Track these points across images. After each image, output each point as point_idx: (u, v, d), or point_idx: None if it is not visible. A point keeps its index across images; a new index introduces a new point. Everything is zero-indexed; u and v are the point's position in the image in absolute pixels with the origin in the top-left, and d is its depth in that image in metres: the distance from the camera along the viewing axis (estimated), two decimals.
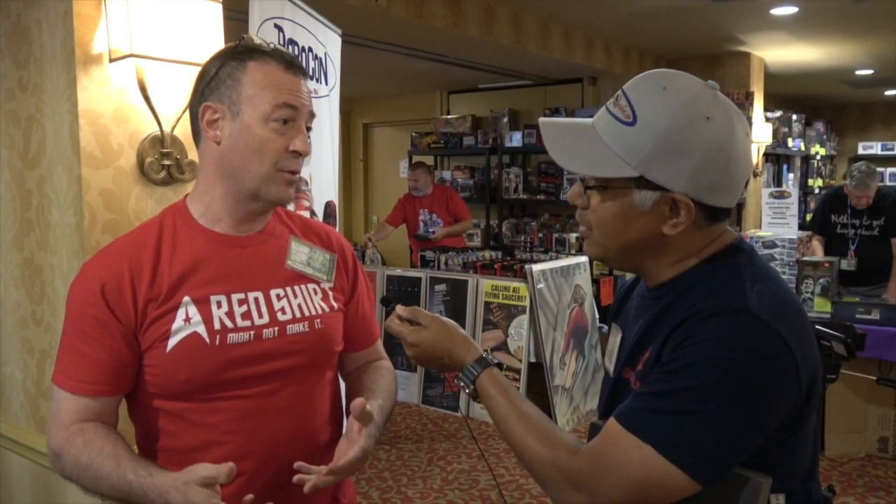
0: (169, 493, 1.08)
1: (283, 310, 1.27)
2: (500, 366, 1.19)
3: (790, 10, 5.23)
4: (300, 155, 1.23)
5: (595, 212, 1.08)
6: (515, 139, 6.79)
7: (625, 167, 1.02)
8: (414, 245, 5.91)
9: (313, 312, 1.30)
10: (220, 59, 1.24)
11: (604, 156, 1.03)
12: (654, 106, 1.01)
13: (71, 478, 1.20)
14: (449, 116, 7.76)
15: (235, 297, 1.24)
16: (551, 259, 5.10)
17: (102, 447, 1.16)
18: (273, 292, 1.27)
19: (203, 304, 1.21)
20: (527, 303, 4.45)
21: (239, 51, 1.24)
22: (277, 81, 1.21)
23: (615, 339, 1.21)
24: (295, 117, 1.23)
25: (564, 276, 4.72)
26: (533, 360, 4.47)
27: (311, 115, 1.28)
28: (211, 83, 1.23)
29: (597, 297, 5.47)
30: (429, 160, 7.52)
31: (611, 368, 1.19)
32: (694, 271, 1.07)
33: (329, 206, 3.05)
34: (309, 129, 1.27)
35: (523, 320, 4.47)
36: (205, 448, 1.19)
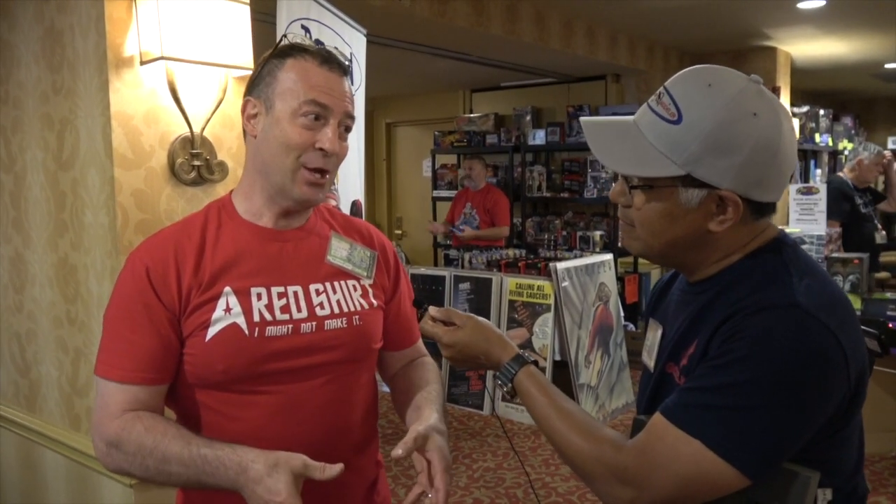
0: (254, 461, 1.07)
1: (321, 305, 1.27)
2: (536, 363, 1.18)
3: (817, 3, 5.16)
4: (327, 153, 1.22)
5: (639, 210, 1.06)
6: (539, 137, 6.76)
7: (671, 166, 1.01)
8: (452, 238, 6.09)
9: (352, 309, 1.30)
10: (266, 58, 1.27)
11: (648, 155, 1.02)
12: (700, 103, 1.00)
13: (129, 468, 1.17)
14: (472, 115, 7.74)
15: (275, 290, 1.24)
16: (575, 257, 5.08)
17: (166, 430, 1.14)
18: (312, 287, 1.28)
19: (243, 296, 1.22)
20: (551, 301, 4.44)
21: (281, 48, 1.26)
22: (310, 78, 1.22)
23: (655, 334, 1.19)
24: (325, 115, 1.22)
25: (589, 273, 4.70)
26: (558, 358, 4.46)
27: (348, 116, 1.26)
28: (255, 80, 1.27)
29: (622, 294, 5.43)
30: (452, 159, 7.52)
31: (651, 364, 1.17)
32: (738, 266, 1.06)
33: (355, 206, 3.07)
34: (347, 129, 1.27)
35: (548, 318, 4.46)
36: (240, 442, 1.17)
